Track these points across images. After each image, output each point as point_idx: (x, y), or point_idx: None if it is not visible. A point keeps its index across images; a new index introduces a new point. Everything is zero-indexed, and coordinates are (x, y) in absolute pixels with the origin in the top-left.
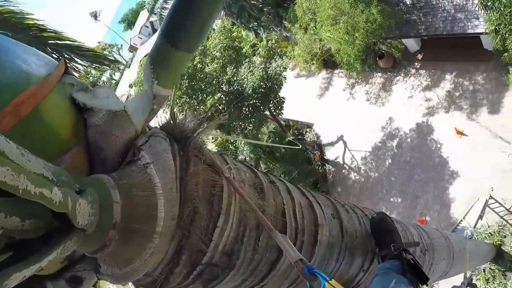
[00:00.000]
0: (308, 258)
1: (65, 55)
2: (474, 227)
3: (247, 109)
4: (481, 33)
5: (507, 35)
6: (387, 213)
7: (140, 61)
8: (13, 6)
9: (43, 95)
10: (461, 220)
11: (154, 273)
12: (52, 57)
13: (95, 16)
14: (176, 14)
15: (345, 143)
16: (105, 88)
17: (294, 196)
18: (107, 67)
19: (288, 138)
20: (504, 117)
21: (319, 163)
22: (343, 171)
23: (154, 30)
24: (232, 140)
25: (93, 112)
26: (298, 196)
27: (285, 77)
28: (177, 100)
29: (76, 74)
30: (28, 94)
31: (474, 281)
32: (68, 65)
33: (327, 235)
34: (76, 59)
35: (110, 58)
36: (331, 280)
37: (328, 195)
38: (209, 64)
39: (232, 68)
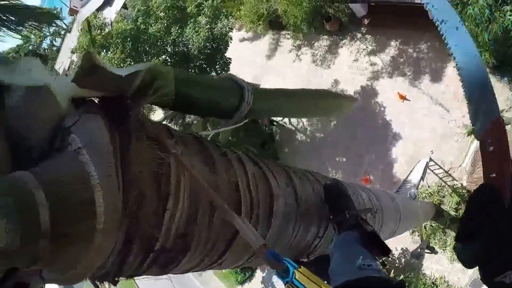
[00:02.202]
0: (265, 230)
1: (2, 17)
2: (417, 188)
3: (193, 71)
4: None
5: (454, 7)
6: (333, 171)
7: (81, 24)
8: None
9: None
10: (404, 181)
11: (105, 265)
12: None
13: None
14: None
15: None
16: (27, 59)
17: (247, 167)
18: (48, 32)
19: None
20: (445, 85)
21: (266, 124)
22: (290, 132)
23: None
24: None
25: (11, 91)
26: (251, 167)
27: (231, 38)
28: (121, 64)
29: (17, 35)
30: None
31: (416, 237)
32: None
33: (282, 205)
34: (14, 20)
35: (52, 13)
36: (299, 267)
37: (279, 162)
38: (153, 25)
39: (177, 28)
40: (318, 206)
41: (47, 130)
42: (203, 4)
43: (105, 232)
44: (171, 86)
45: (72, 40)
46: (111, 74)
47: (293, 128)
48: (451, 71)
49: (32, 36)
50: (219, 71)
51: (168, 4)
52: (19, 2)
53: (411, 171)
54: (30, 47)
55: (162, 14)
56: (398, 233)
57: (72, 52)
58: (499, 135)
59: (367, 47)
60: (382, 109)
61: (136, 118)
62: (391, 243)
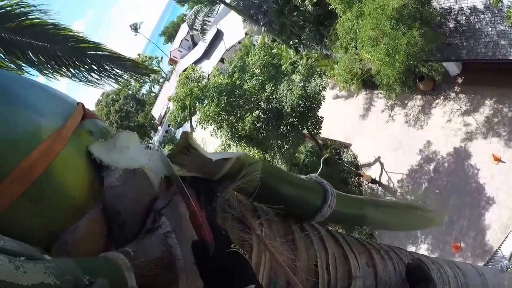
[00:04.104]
0: None
1: (105, 66)
2: (509, 259)
3: (285, 128)
4: None
5: None
6: (422, 237)
7: (179, 76)
8: (51, 19)
9: (56, 152)
10: (496, 251)
11: None
12: (92, 68)
13: (135, 28)
14: None
15: (382, 164)
16: (126, 133)
17: (328, 247)
18: (147, 79)
19: (324, 157)
20: None
21: (356, 183)
22: (379, 192)
23: (195, 44)
24: (268, 157)
25: (110, 170)
26: (332, 246)
27: (324, 97)
28: (215, 117)
29: (115, 86)
30: (38, 153)
31: None
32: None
33: (360, 286)
34: (116, 70)
35: (151, 68)
36: None
37: (363, 240)
38: (248, 81)
39: (271, 85)
40: (398, 286)
41: (140, 209)
42: (297, 62)
43: None
44: (258, 175)
45: (170, 88)
46: (203, 156)
47: (383, 190)
48: None
49: (132, 82)
50: (310, 129)
51: (264, 62)
52: (121, 54)
53: (504, 240)
54: (130, 91)
55: (257, 71)
56: None
57: (169, 99)
58: None
59: (460, 107)
60: (475, 171)
61: (223, 200)
62: None
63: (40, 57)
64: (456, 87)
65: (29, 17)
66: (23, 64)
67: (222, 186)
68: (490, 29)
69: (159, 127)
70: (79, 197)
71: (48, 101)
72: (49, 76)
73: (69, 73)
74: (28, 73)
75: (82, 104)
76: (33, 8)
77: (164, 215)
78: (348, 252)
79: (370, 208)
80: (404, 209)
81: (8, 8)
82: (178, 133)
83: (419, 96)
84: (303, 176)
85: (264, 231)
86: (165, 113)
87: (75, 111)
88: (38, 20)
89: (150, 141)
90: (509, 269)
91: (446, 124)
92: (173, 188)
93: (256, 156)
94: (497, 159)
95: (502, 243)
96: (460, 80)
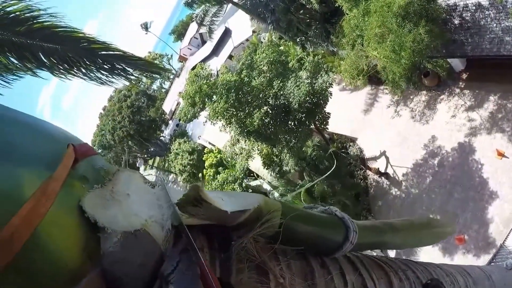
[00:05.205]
0: None
1: (116, 65)
2: None
3: (292, 123)
4: None
5: None
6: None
7: (189, 73)
8: (60, 21)
9: (42, 214)
10: (501, 246)
11: None
12: (103, 68)
13: (145, 27)
14: None
15: (387, 158)
16: (127, 175)
17: (347, 279)
18: (158, 76)
19: (331, 150)
20: None
21: (361, 176)
22: (385, 186)
23: (203, 42)
24: (276, 152)
25: (106, 233)
26: (352, 276)
27: (330, 93)
28: (224, 113)
29: (127, 83)
30: (20, 219)
31: None
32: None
33: None
34: (127, 69)
35: (161, 66)
36: None
37: (381, 259)
38: (256, 78)
39: (279, 82)
40: None
41: (144, 274)
42: (304, 59)
43: None
44: (278, 221)
45: (180, 84)
46: (217, 209)
47: (388, 182)
48: None
49: (144, 80)
50: (317, 124)
51: (271, 59)
52: (132, 54)
53: (507, 235)
54: (142, 86)
55: (265, 68)
56: None
57: (179, 96)
58: None
59: (465, 103)
60: (479, 166)
61: (238, 248)
62: None
63: (52, 59)
64: (460, 83)
65: (39, 20)
66: (34, 68)
67: (238, 234)
68: (495, 25)
69: (170, 121)
70: (73, 261)
71: (34, 142)
72: (61, 77)
73: (80, 74)
74: (40, 76)
75: (73, 145)
76: (42, 12)
77: (172, 284)
78: (367, 280)
79: (388, 235)
80: (419, 229)
81: (18, 13)
82: (189, 127)
83: (424, 92)
84: (321, 208)
85: (284, 276)
86: (176, 108)
87: (66, 155)
88: (47, 23)
89: (162, 135)
90: None
91: (451, 119)
92: (181, 242)
93: (265, 150)
94: (501, 154)
95: (506, 238)
96: (464, 76)
